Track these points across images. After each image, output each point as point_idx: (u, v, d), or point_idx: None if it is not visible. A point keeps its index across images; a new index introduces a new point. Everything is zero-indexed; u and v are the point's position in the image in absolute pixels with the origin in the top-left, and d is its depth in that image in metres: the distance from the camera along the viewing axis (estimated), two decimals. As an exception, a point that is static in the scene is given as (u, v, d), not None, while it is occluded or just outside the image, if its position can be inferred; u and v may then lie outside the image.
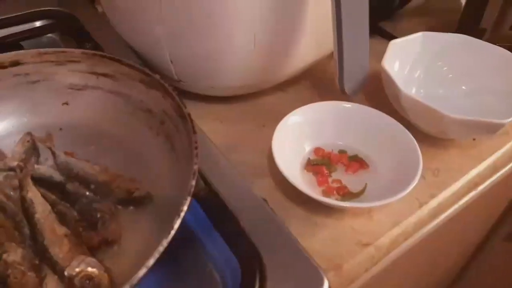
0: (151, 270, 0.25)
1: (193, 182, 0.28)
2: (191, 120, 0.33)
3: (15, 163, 0.38)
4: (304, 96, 0.61)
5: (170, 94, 0.35)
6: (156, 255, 0.25)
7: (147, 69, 0.39)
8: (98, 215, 0.34)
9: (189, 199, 0.27)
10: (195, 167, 0.29)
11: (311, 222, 0.46)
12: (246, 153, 0.53)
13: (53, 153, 0.39)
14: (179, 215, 0.26)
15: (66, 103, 0.41)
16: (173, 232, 0.26)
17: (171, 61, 0.54)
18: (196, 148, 0.30)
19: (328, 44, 0.56)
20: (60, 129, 0.41)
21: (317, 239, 0.45)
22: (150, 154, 0.38)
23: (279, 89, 0.62)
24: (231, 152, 0.52)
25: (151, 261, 0.24)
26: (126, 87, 0.39)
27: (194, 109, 0.57)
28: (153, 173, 0.37)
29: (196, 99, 0.59)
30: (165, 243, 0.25)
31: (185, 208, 0.27)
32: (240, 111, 0.59)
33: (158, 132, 0.38)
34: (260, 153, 0.52)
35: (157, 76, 0.36)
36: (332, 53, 0.56)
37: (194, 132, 0.32)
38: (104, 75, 0.39)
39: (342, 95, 0.56)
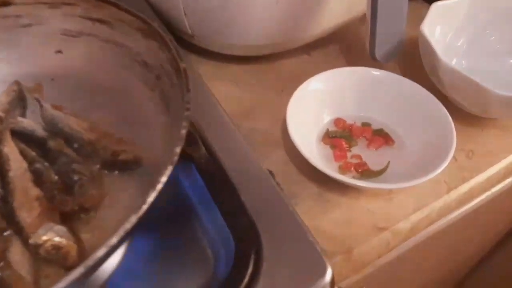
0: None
1: (178, 150, 0.24)
2: (186, 76, 0.28)
3: (-5, 114, 0.35)
4: (330, 61, 0.56)
5: (167, 45, 0.30)
6: (121, 232, 0.21)
7: (147, 16, 0.34)
8: (76, 178, 0.30)
9: (170, 168, 0.23)
10: (183, 131, 0.25)
11: (323, 199, 0.43)
12: (260, 120, 0.49)
13: (41, 106, 0.36)
14: (154, 188, 0.22)
15: (60, 51, 0.38)
16: (145, 207, 0.22)
17: (185, 13, 0.50)
18: (187, 109, 0.26)
19: (361, 4, 0.51)
20: (52, 79, 0.37)
21: (328, 219, 0.41)
22: (143, 114, 0.34)
23: (304, 52, 0.57)
24: (244, 118, 0.49)
25: (114, 240, 0.21)
26: (122, 35, 0.35)
27: (208, 69, 0.55)
28: (146, 134, 0.33)
29: (211, 58, 0.55)
30: (134, 219, 0.22)
31: (163, 179, 0.23)
32: (258, 74, 0.55)
33: (153, 88, 0.34)
34: (275, 120, 0.48)
35: (155, 24, 0.32)
36: (365, 15, 0.51)
37: (188, 90, 0.27)
38: (100, 21, 0.35)
39: (373, 63, 0.51)
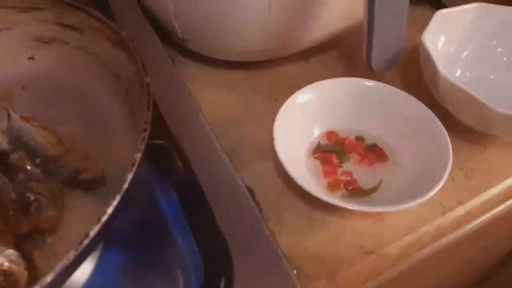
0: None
1: (130, 176, 0.22)
2: (149, 93, 0.26)
3: (-43, 125, 0.33)
4: (328, 69, 0.54)
5: (133, 57, 0.28)
6: (57, 270, 0.19)
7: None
8: (32, 198, 0.29)
9: (118, 198, 0.21)
10: (137, 155, 0.23)
11: (310, 218, 0.40)
12: (251, 130, 0.47)
13: (8, 115, 0.34)
14: (99, 221, 0.20)
15: (32, 58, 0.36)
16: (86, 242, 0.20)
17: (175, 16, 0.48)
18: (145, 130, 0.24)
19: (360, 10, 0.48)
20: (23, 87, 0.36)
21: (313, 239, 0.39)
22: (112, 127, 0.32)
23: (301, 59, 0.55)
24: (234, 127, 0.47)
25: (48, 278, 0.19)
26: (93, 43, 0.33)
27: (200, 74, 0.53)
28: (113, 150, 0.32)
29: (204, 62, 0.53)
30: (72, 255, 0.20)
31: (109, 211, 0.21)
32: (252, 81, 0.52)
33: (124, 101, 0.32)
34: (266, 131, 0.46)
35: (123, 33, 0.30)
36: (364, 21, 0.48)
37: (148, 109, 0.25)
38: (71, 27, 0.34)
39: (372, 72, 0.48)
